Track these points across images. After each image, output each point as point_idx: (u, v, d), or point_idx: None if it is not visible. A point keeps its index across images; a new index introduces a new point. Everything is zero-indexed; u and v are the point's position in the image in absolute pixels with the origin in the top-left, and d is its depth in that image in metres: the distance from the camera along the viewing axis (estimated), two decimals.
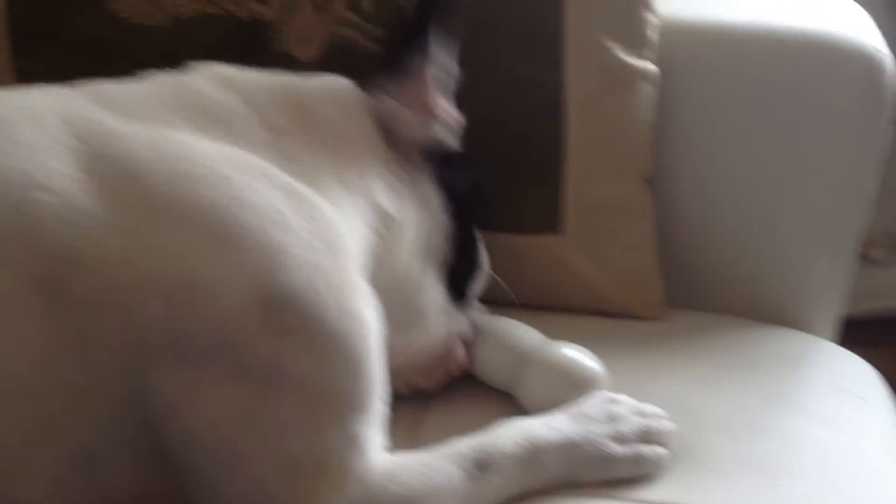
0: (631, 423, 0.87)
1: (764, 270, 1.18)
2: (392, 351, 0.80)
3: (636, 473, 0.85)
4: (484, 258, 0.99)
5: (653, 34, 1.09)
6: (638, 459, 0.85)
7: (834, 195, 1.14)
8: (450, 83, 0.91)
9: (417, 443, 0.84)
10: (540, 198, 1.09)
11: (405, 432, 0.90)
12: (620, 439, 0.85)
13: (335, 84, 0.88)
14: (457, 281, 0.94)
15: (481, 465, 0.79)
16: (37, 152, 0.71)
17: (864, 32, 1.13)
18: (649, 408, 0.90)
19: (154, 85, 0.82)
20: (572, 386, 0.91)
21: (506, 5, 1.06)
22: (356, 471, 0.74)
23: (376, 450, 0.77)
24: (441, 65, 0.88)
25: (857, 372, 1.12)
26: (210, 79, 0.83)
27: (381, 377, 0.78)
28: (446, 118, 0.88)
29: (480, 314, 1.00)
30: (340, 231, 0.78)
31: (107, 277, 0.69)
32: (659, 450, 0.86)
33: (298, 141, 0.81)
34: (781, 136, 1.14)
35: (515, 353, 0.95)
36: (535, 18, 1.06)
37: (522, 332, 0.98)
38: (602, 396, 0.90)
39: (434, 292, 0.92)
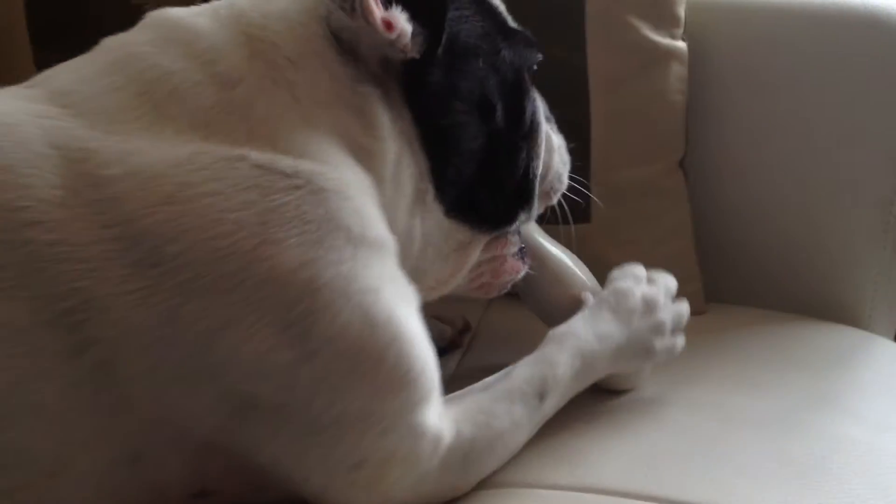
0: (667, 311, 0.89)
1: (812, 261, 1.10)
2: (433, 289, 0.83)
3: (667, 360, 0.89)
4: (534, 168, 0.85)
5: (681, 11, 1.03)
6: (672, 350, 0.89)
7: (884, 179, 1.06)
8: None
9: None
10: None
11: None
12: (660, 331, 0.88)
13: (286, 2, 0.78)
14: (482, 207, 0.83)
15: (542, 395, 0.81)
16: (27, 183, 0.67)
17: None
18: (669, 278, 0.92)
19: (104, 63, 0.75)
20: None
21: None
22: (423, 450, 0.73)
23: (438, 418, 0.75)
24: None
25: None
26: (155, 36, 0.76)
27: (429, 357, 0.74)
28: (394, 30, 0.74)
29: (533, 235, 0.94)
30: (332, 210, 0.71)
31: (121, 316, 0.66)
32: (682, 339, 0.90)
33: (256, 91, 0.73)
34: (825, 115, 1.07)
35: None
36: (559, 1, 1.00)
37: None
38: (632, 275, 0.90)
39: (440, 227, 0.82)
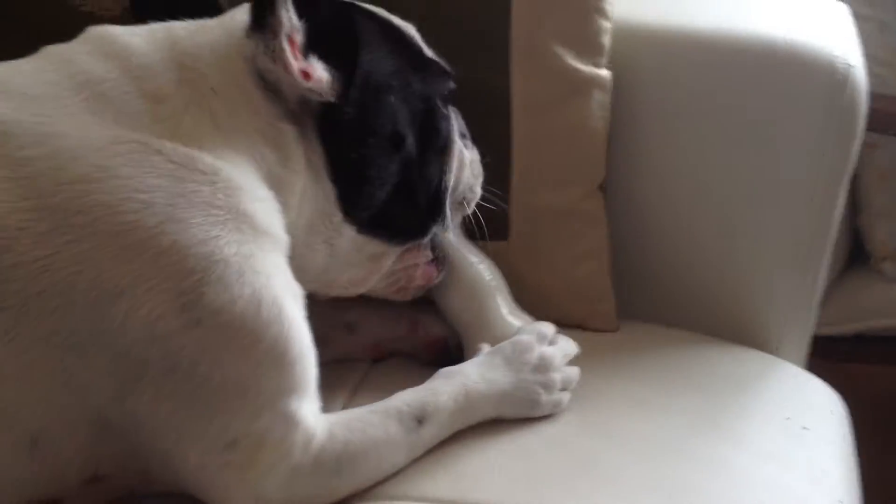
0: (559, 372, 0.94)
1: (724, 283, 1.14)
2: (347, 289, 0.92)
3: (551, 413, 0.93)
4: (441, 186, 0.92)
5: (606, 40, 1.06)
6: (558, 404, 0.93)
7: (798, 208, 1.10)
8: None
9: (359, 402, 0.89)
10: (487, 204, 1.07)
11: (349, 392, 0.96)
12: (548, 388, 0.92)
13: (217, 37, 0.84)
14: (394, 224, 0.90)
15: (420, 419, 0.85)
16: None
17: (835, 41, 1.09)
18: (570, 344, 0.97)
19: (42, 62, 0.81)
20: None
21: (455, 10, 1.04)
22: (295, 441, 0.78)
23: (313, 415, 0.80)
24: (294, 25, 0.80)
25: (812, 398, 1.08)
26: (93, 48, 0.82)
27: (308, 350, 0.80)
28: (311, 80, 0.81)
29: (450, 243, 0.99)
30: (243, 203, 0.77)
31: (24, 284, 0.72)
32: (568, 395, 0.94)
33: (182, 110, 0.79)
34: (744, 145, 1.10)
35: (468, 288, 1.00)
36: (484, 24, 1.04)
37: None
38: (535, 332, 0.96)
39: (353, 242, 0.88)
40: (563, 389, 0.94)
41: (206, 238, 0.74)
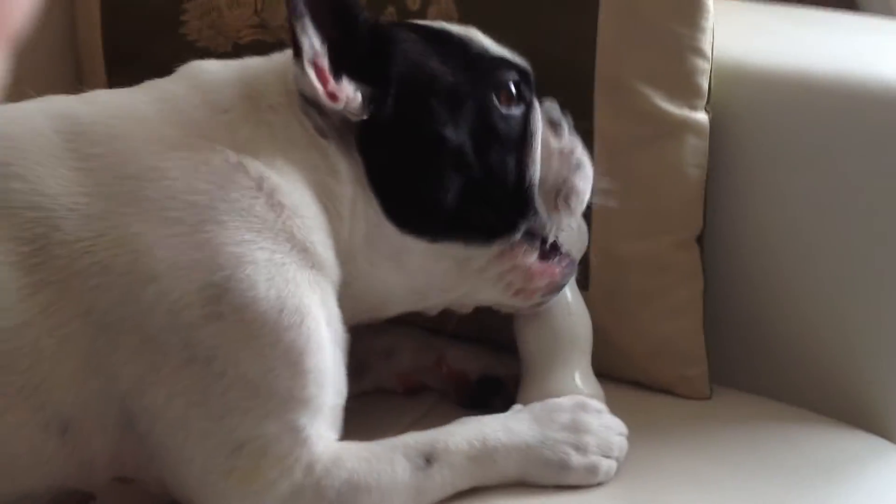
0: (595, 436, 0.86)
1: (837, 354, 1.02)
2: (446, 293, 0.89)
3: (589, 482, 0.86)
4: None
5: (703, 81, 0.98)
6: (593, 470, 0.85)
7: None
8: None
9: None
10: None
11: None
12: (582, 449, 0.85)
13: (283, 61, 0.88)
14: (470, 225, 0.86)
15: (429, 458, 0.81)
16: (19, 145, 0.81)
17: None
18: (615, 422, 0.89)
19: (135, 86, 0.90)
20: None
21: (538, 43, 0.99)
22: (301, 458, 0.78)
23: (323, 438, 0.80)
24: (316, 51, 0.82)
25: None
26: (178, 75, 0.90)
27: (329, 371, 0.81)
28: (339, 101, 0.83)
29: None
30: (283, 217, 0.81)
31: (69, 261, 0.77)
32: (614, 464, 0.86)
33: (242, 120, 0.84)
34: (865, 204, 0.98)
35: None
36: (568, 59, 0.99)
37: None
38: (575, 401, 0.89)
39: (426, 253, 0.86)
40: (608, 457, 0.86)
41: (241, 240, 0.78)
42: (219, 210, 0.79)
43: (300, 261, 0.80)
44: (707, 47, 0.98)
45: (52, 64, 1.20)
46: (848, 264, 1.00)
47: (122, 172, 0.80)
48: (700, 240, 1.02)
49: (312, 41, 0.80)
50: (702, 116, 0.99)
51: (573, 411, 0.87)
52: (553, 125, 0.91)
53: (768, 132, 1.02)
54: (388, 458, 0.81)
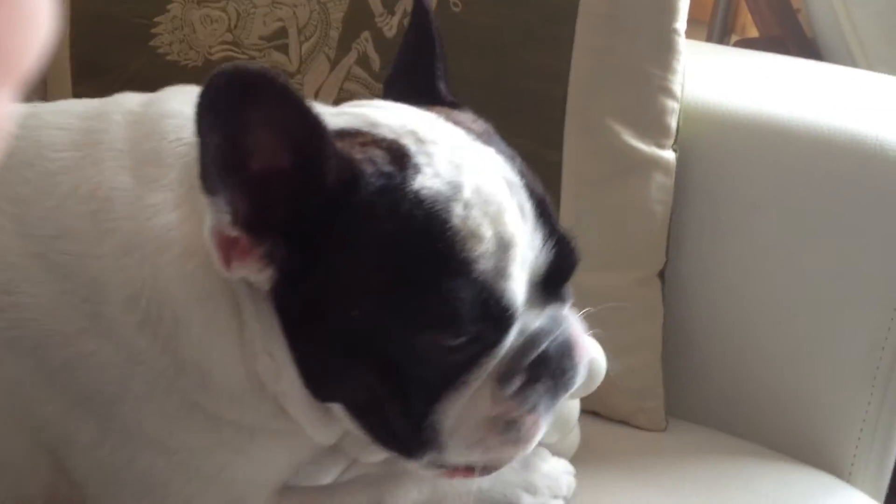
0: (545, 477, 0.85)
1: (791, 391, 1.04)
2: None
3: None
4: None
5: (671, 121, 1.00)
6: None
7: (882, 317, 0.99)
8: None
9: None
10: None
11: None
12: (531, 491, 0.83)
13: None
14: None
15: None
16: None
17: None
18: (563, 462, 0.88)
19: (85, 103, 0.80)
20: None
21: (513, 77, 1.01)
22: None
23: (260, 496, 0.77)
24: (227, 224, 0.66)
25: None
26: (130, 110, 0.77)
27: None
28: (241, 275, 0.68)
29: None
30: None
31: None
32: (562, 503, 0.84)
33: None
34: (823, 245, 1.01)
35: None
36: (542, 93, 1.00)
37: None
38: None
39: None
40: (556, 497, 0.85)
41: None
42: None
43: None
44: (677, 88, 1.00)
45: None
46: (805, 303, 1.02)
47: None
48: (662, 275, 1.04)
49: (221, 216, 0.64)
50: (669, 154, 1.01)
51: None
52: (504, 378, 0.69)
53: (732, 172, 1.04)
54: None
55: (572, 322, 0.74)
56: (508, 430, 0.69)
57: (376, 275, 0.67)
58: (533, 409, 0.69)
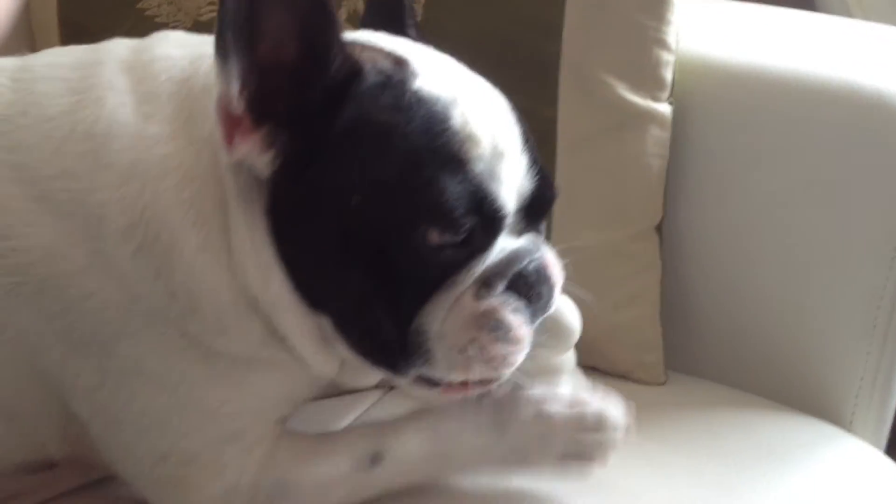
0: (562, 440, 0.80)
1: (791, 343, 1.04)
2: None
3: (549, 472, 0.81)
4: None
5: (667, 73, 0.99)
6: (562, 472, 0.81)
7: (880, 268, 0.99)
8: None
9: None
10: None
11: None
12: (546, 441, 0.80)
13: None
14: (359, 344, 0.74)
15: (374, 458, 0.78)
16: None
17: None
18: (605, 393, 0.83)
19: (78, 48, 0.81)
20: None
21: (504, 34, 1.00)
22: (232, 462, 0.76)
23: (258, 440, 0.77)
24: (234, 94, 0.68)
25: (881, 483, 0.95)
26: (116, 47, 0.79)
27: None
28: (242, 154, 0.69)
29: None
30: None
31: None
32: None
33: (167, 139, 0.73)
34: (821, 196, 1.00)
35: None
36: (534, 49, 0.99)
37: None
38: (537, 398, 0.80)
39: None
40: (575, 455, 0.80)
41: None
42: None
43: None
44: (672, 40, 0.99)
45: (5, 40, 1.17)
46: (803, 254, 1.02)
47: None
48: (659, 229, 1.03)
49: (230, 84, 0.66)
50: (664, 107, 1.00)
51: (536, 409, 0.80)
52: (484, 284, 0.71)
53: (728, 125, 1.03)
54: (329, 457, 0.77)
55: (548, 252, 0.76)
56: (497, 328, 0.71)
57: (377, 162, 0.69)
58: (517, 312, 0.72)
